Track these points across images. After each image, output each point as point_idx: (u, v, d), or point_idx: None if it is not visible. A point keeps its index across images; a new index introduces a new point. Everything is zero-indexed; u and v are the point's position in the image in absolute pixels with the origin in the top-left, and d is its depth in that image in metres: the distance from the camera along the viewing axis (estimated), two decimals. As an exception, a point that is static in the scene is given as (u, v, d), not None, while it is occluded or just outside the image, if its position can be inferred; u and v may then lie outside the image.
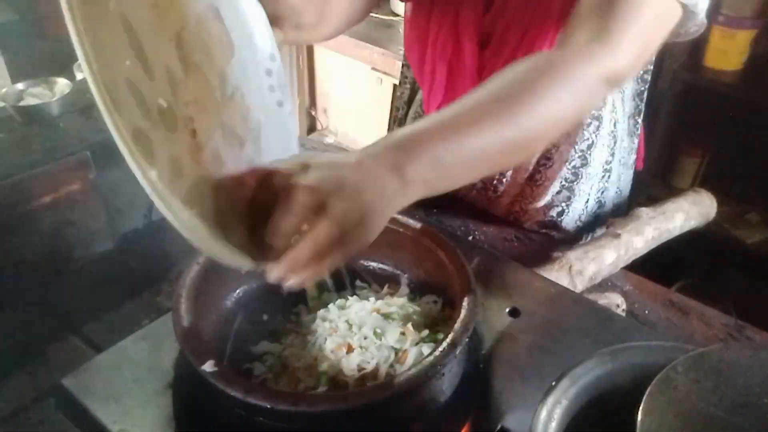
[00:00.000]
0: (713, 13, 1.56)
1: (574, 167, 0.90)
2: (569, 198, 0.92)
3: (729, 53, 1.61)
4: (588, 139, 0.88)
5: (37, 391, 0.58)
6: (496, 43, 0.82)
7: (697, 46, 1.64)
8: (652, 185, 1.85)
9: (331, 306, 0.63)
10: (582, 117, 0.63)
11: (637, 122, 0.94)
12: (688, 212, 0.88)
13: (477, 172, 0.56)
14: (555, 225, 0.94)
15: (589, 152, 0.89)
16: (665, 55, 1.63)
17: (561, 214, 0.94)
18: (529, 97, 0.56)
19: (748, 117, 1.67)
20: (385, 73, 2.01)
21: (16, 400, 0.58)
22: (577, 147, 0.88)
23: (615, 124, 0.89)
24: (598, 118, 0.86)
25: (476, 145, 0.52)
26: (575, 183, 0.91)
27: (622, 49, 0.61)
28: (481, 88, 0.57)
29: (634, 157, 0.99)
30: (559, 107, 0.58)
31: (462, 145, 0.51)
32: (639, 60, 0.63)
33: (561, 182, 0.91)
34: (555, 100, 0.57)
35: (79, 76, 1.13)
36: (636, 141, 0.96)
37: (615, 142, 0.91)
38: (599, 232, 0.99)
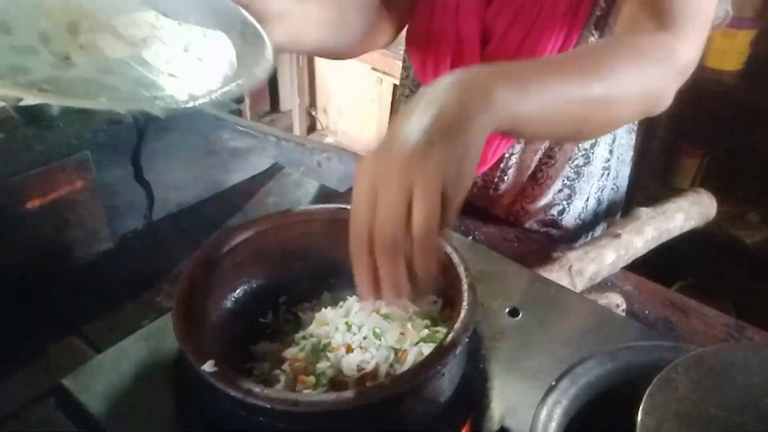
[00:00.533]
0: (713, 13, 1.56)
1: (576, 165, 0.90)
2: (570, 196, 0.92)
3: (729, 53, 1.62)
4: None
5: (37, 391, 0.58)
6: (498, 40, 0.82)
7: (697, 46, 1.64)
8: (652, 185, 1.85)
9: (330, 306, 0.63)
10: (651, 108, 0.62)
11: None
12: (688, 212, 0.88)
13: (556, 121, 0.54)
14: (555, 223, 0.95)
15: (592, 150, 0.89)
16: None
17: (562, 212, 0.94)
18: (616, 61, 0.56)
19: (748, 117, 1.67)
20: (385, 73, 2.02)
21: (16, 400, 0.58)
22: (580, 145, 0.88)
23: None
24: None
25: (563, 90, 0.52)
26: (576, 181, 0.91)
27: (691, 41, 0.60)
28: (569, 51, 0.61)
29: (631, 153, 0.99)
30: (642, 81, 0.58)
31: (550, 85, 0.51)
32: (701, 50, 0.62)
33: (563, 180, 0.91)
34: (639, 72, 0.57)
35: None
36: (633, 137, 0.97)
37: (614, 140, 0.91)
38: (598, 230, 0.99)
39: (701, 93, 1.69)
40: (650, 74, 0.58)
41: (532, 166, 0.91)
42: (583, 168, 0.90)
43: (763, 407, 0.41)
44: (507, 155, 0.91)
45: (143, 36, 0.58)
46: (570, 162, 0.89)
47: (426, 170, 0.41)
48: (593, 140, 0.88)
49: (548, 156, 0.90)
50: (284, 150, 1.00)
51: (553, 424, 0.46)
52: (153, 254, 0.77)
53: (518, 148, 0.90)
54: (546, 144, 0.89)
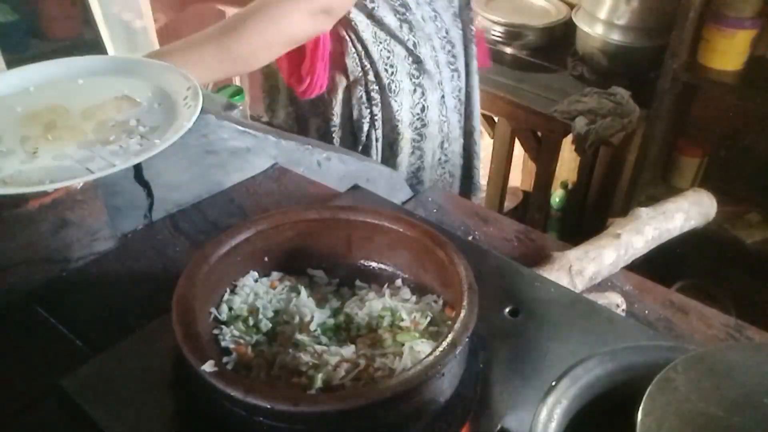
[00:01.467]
0: (713, 13, 1.57)
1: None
2: (422, 94, 1.12)
3: (729, 53, 1.62)
4: (418, 103, 1.12)
5: (36, 391, 0.58)
6: None
7: (697, 46, 1.64)
8: (652, 185, 1.85)
9: (328, 307, 0.63)
10: (296, 42, 0.95)
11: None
12: (688, 212, 0.88)
13: (202, 72, 0.87)
14: (424, 124, 1.15)
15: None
16: (665, 55, 1.63)
17: (424, 110, 1.14)
18: (242, 31, 0.88)
19: (748, 117, 1.68)
20: (384, 73, 2.01)
21: (16, 400, 0.58)
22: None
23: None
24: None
25: (200, 57, 0.89)
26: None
27: None
28: (216, 25, 0.92)
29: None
30: (266, 39, 0.90)
31: (189, 54, 0.89)
32: None
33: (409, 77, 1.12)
34: (262, 34, 0.89)
35: (79, 76, 1.13)
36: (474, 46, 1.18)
37: (452, 46, 1.14)
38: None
39: (701, 93, 1.69)
40: (280, 30, 0.89)
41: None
42: (419, 66, 1.11)
43: (763, 407, 0.41)
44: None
45: (102, 121, 0.77)
46: (406, 61, 1.10)
47: None
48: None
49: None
50: (284, 150, 1.00)
51: (553, 424, 0.46)
52: (153, 254, 0.77)
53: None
54: None
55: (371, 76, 1.08)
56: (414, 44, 1.08)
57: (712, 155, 1.85)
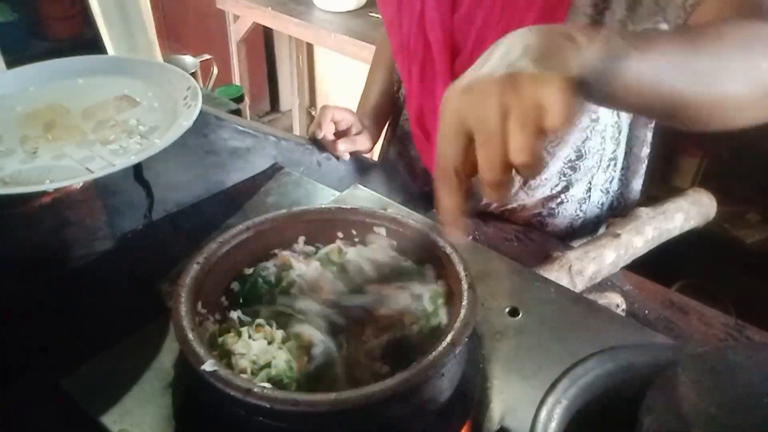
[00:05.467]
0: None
1: (570, 161, 0.90)
2: (567, 188, 0.93)
3: (729, 53, 1.61)
4: (583, 134, 0.88)
5: (37, 391, 0.58)
6: (470, 49, 0.79)
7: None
8: (652, 185, 1.85)
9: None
10: None
11: None
12: (688, 212, 0.88)
13: (653, 91, 0.48)
14: (552, 213, 0.95)
15: (583, 145, 0.89)
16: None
17: (560, 204, 0.94)
18: (726, 40, 0.51)
19: (748, 117, 1.67)
20: (385, 73, 2.01)
21: (16, 400, 0.58)
22: (572, 142, 0.89)
23: (619, 114, 0.88)
24: (596, 120, 0.87)
25: (666, 55, 0.47)
26: (573, 174, 0.92)
27: None
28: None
29: (647, 150, 0.96)
30: (759, 70, 0.51)
31: (648, 48, 0.46)
32: None
33: (559, 177, 0.91)
34: (752, 59, 0.51)
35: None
36: (649, 134, 0.94)
37: (620, 131, 0.90)
38: (604, 225, 0.99)
39: (701, 93, 1.69)
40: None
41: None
42: (578, 162, 0.90)
43: (763, 407, 0.41)
44: None
45: (102, 121, 0.77)
46: (564, 159, 0.89)
47: (521, 93, 0.39)
48: (585, 136, 0.88)
49: None
50: (284, 150, 1.00)
51: (553, 424, 0.46)
52: (153, 254, 0.77)
53: None
54: None
55: None
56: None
57: (712, 155, 1.85)
